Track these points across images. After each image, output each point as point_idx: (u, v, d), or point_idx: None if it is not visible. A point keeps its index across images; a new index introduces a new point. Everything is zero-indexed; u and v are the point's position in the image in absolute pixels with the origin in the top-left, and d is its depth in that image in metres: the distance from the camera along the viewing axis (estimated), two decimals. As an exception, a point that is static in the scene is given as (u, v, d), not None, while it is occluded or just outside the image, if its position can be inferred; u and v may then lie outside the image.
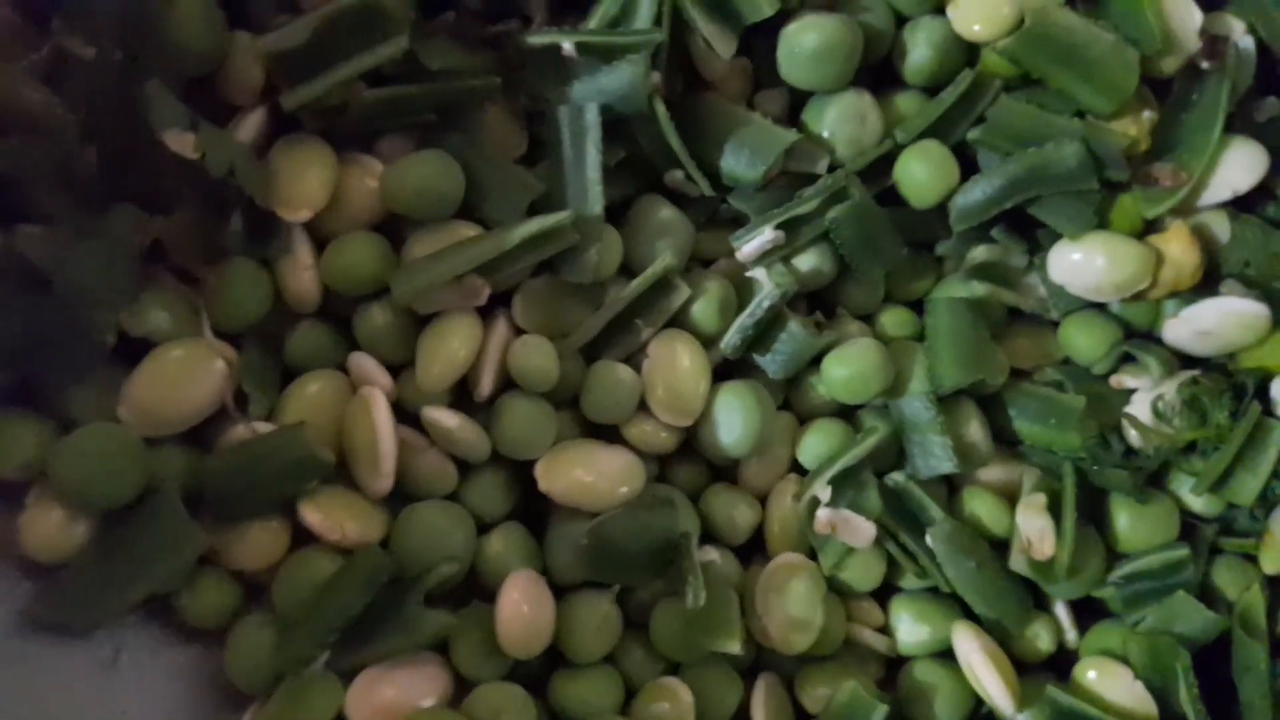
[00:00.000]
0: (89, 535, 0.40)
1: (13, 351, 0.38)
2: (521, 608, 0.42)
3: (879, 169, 0.49)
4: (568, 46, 0.44)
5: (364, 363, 0.44)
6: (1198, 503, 0.49)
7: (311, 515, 0.42)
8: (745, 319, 0.47)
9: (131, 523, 0.40)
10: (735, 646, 0.44)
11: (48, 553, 0.40)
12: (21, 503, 0.40)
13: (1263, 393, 0.50)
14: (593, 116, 0.45)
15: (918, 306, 0.52)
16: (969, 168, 0.50)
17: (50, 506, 0.40)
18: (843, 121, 0.49)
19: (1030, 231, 0.51)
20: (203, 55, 0.42)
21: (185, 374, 0.41)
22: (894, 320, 0.52)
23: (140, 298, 0.41)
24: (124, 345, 0.41)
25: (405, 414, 0.45)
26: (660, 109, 0.45)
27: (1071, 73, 0.47)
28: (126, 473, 0.40)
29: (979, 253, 0.51)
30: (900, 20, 0.50)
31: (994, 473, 0.50)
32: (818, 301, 0.52)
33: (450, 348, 0.43)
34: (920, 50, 0.49)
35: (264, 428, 0.42)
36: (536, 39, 0.44)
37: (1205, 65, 0.49)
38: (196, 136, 0.38)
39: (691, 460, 0.49)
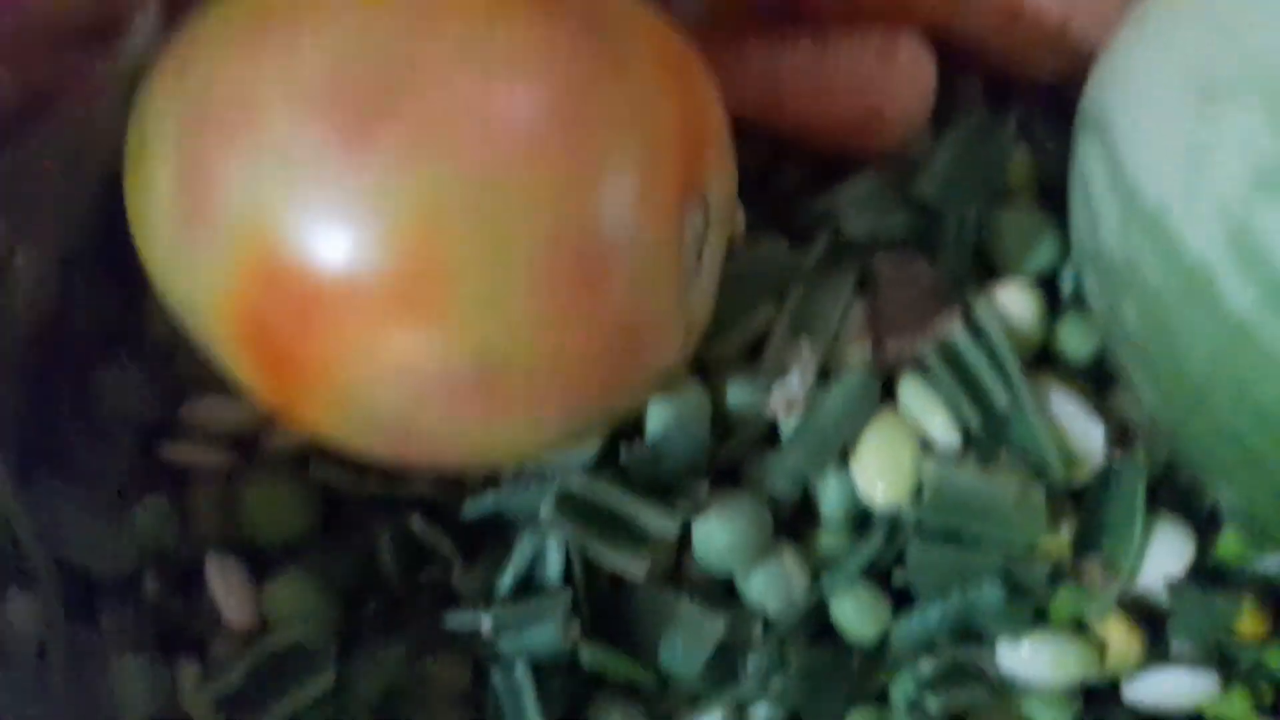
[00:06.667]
0: None
1: None
2: None
3: (816, 608, 0.51)
4: (486, 627, 0.46)
5: None
6: None
7: None
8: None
9: None
10: None
11: None
12: None
13: (1229, 748, 0.51)
14: (523, 674, 0.47)
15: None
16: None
17: None
18: (769, 588, 0.50)
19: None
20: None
21: None
22: (862, 721, 0.54)
23: None
24: None
25: None
26: (585, 656, 0.47)
27: (981, 525, 0.48)
28: None
29: (926, 665, 0.52)
30: (811, 465, 0.51)
31: None
32: None
33: None
34: (832, 505, 0.50)
35: None
36: (456, 621, 0.47)
37: (1115, 458, 0.50)
38: None
39: None
